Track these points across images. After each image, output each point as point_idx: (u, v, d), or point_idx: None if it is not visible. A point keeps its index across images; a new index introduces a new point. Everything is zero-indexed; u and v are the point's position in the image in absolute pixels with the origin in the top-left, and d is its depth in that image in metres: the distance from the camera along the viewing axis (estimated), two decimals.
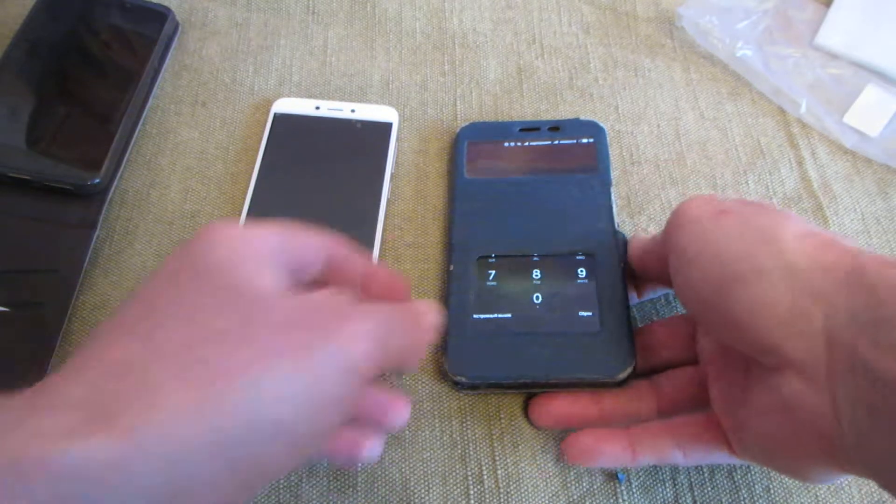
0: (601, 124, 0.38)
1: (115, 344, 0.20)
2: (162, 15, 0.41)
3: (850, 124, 0.41)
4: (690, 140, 0.40)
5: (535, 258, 0.34)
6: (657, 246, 0.30)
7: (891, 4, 0.44)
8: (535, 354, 0.31)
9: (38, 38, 0.40)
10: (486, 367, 0.31)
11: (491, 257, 0.34)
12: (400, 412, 0.27)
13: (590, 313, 0.32)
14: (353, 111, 0.39)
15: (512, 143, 0.38)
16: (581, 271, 0.33)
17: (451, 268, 0.34)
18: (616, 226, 0.34)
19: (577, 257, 0.34)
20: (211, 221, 0.24)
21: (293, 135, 0.39)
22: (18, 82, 0.38)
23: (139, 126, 0.39)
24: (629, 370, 0.30)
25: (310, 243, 0.25)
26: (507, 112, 0.41)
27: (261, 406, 0.19)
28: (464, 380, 0.31)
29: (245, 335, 0.20)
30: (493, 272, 0.34)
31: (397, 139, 0.39)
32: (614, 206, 0.35)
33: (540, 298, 0.33)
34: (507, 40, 0.44)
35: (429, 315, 0.25)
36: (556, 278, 0.33)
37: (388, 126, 0.39)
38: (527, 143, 0.38)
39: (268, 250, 0.23)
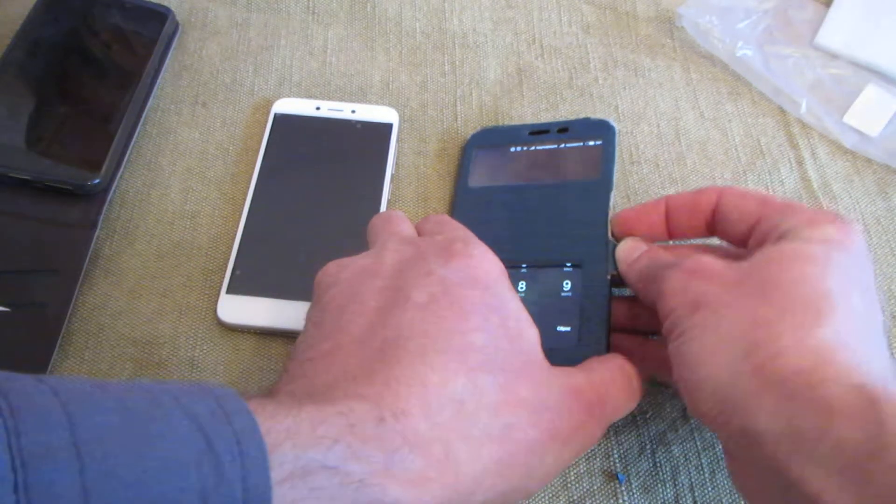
0: (612, 123, 0.37)
1: (436, 368, 0.22)
2: (162, 15, 0.41)
3: (850, 124, 0.41)
4: (690, 140, 0.40)
5: (523, 269, 0.33)
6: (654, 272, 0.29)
7: (891, 4, 0.44)
8: None
9: (38, 38, 0.40)
10: None
11: None
12: None
13: (568, 328, 0.31)
14: (353, 112, 0.39)
15: (519, 149, 0.38)
16: (566, 284, 0.32)
17: None
18: (609, 234, 0.33)
19: (565, 268, 0.33)
20: (461, 246, 0.27)
21: (293, 135, 0.39)
22: (18, 82, 0.38)
23: (139, 126, 0.39)
24: None
25: None
26: (506, 112, 0.41)
27: (538, 478, 0.23)
28: None
29: (537, 411, 0.23)
30: None
31: (398, 140, 0.39)
32: (611, 212, 0.34)
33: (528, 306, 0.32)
34: (507, 40, 0.44)
35: (635, 380, 0.28)
36: (539, 291, 0.33)
37: (388, 127, 0.39)
38: (533, 149, 0.37)
39: None
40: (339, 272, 0.26)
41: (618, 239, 0.33)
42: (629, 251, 0.31)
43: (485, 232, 0.34)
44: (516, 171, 0.37)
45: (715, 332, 0.23)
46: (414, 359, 0.22)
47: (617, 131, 0.37)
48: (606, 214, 0.33)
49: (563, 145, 0.37)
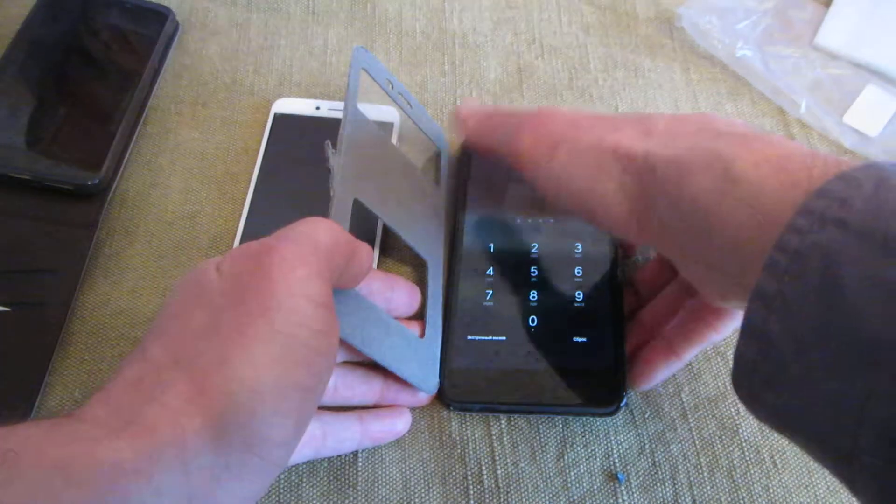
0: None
1: (130, 364, 0.22)
2: (162, 15, 0.41)
3: (850, 124, 0.41)
4: None
5: (534, 278, 0.34)
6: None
7: (890, 4, 0.44)
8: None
9: (38, 38, 0.40)
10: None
11: (490, 276, 0.34)
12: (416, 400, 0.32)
13: (584, 339, 0.32)
14: None
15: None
16: (578, 294, 0.33)
17: (451, 283, 0.34)
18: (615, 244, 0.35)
19: (576, 279, 0.34)
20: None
21: (293, 135, 0.39)
22: (18, 82, 0.38)
23: (139, 126, 0.39)
24: (620, 404, 0.31)
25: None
26: None
27: (248, 386, 0.21)
28: (456, 404, 0.32)
29: (213, 328, 0.22)
30: (491, 292, 0.34)
31: (398, 140, 0.39)
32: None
33: (535, 321, 0.33)
34: (507, 40, 0.44)
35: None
36: (552, 301, 0.33)
37: (389, 127, 0.39)
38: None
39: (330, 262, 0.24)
40: None
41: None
42: (468, 102, 0.37)
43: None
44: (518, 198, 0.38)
45: (582, 156, 0.28)
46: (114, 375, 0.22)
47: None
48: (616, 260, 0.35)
49: None
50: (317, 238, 0.24)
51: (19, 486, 0.17)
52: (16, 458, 0.18)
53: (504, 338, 0.32)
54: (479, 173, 0.37)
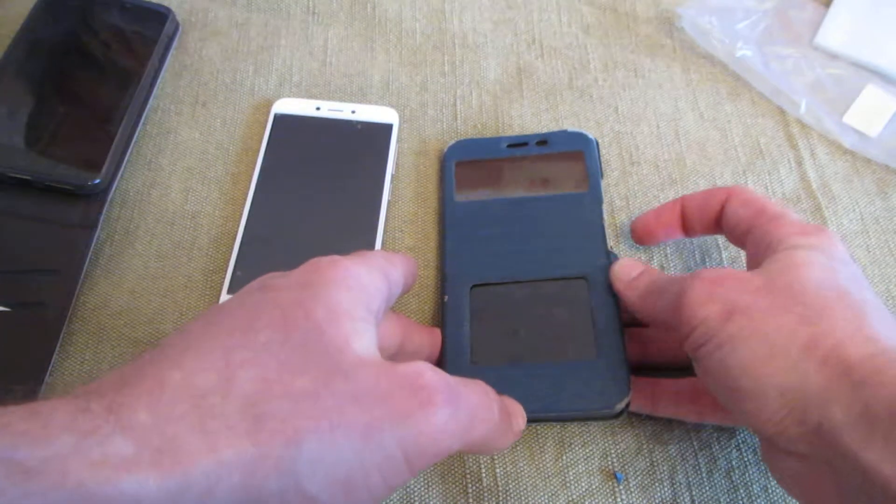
0: (590, 136, 0.37)
1: (193, 365, 0.20)
2: (162, 15, 0.41)
3: (850, 124, 0.41)
4: (690, 140, 0.41)
5: (528, 286, 0.33)
6: (660, 296, 0.29)
7: (890, 4, 0.44)
8: (531, 388, 0.30)
9: (38, 38, 0.40)
10: None
11: (483, 285, 0.33)
12: None
13: (584, 341, 0.31)
14: (353, 112, 0.40)
15: (500, 162, 0.37)
16: (575, 296, 0.32)
17: (445, 299, 0.33)
18: (608, 246, 0.34)
19: (571, 281, 0.33)
20: (324, 260, 0.24)
21: (294, 135, 0.39)
22: (18, 82, 0.38)
23: (139, 126, 0.39)
24: (626, 401, 0.30)
25: (398, 285, 0.27)
26: (507, 112, 0.41)
27: (306, 473, 0.20)
28: None
29: (321, 398, 0.20)
30: (486, 303, 0.33)
31: (398, 140, 0.39)
32: (605, 223, 0.34)
33: (534, 328, 0.32)
34: (507, 41, 0.44)
35: (520, 419, 0.27)
36: (549, 306, 0.32)
37: (388, 127, 0.39)
38: (515, 162, 0.37)
39: (374, 305, 0.24)
40: None
41: (638, 240, 0.35)
42: (627, 269, 0.31)
43: (480, 248, 0.34)
44: (502, 185, 0.37)
45: (762, 337, 0.23)
46: (168, 359, 0.21)
47: (596, 143, 0.37)
48: (602, 226, 0.34)
49: (544, 158, 0.37)
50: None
51: None
52: (39, 474, 0.17)
53: (505, 348, 0.32)
54: (462, 179, 0.37)
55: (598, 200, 0.35)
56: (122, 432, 0.18)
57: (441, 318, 0.33)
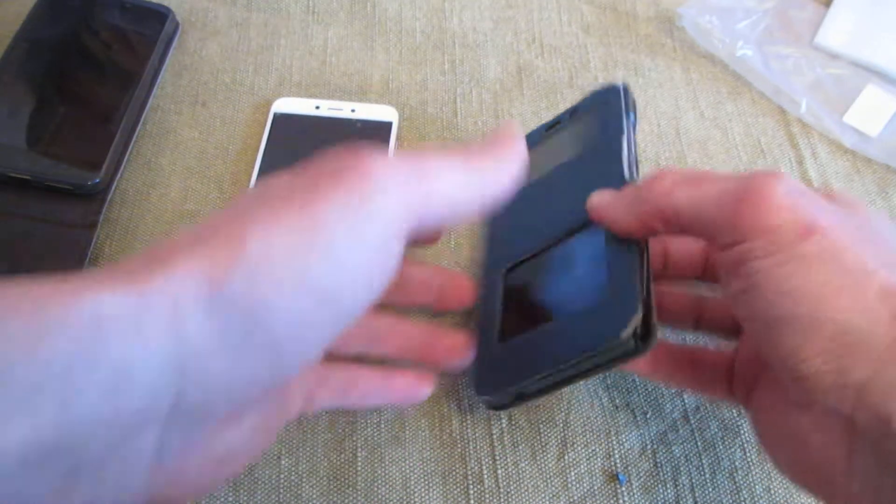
0: (617, 84, 0.32)
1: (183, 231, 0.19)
2: (162, 15, 0.41)
3: (850, 124, 0.41)
4: (691, 139, 0.40)
5: (552, 250, 0.31)
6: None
7: (890, 4, 0.44)
8: (547, 347, 0.28)
9: (38, 38, 0.40)
10: (505, 381, 0.29)
11: (515, 266, 0.32)
12: (457, 352, 0.29)
13: (599, 283, 0.27)
14: (353, 111, 0.39)
15: (537, 146, 0.35)
16: (591, 243, 0.29)
17: (480, 290, 0.32)
18: (630, 175, 0.29)
19: (587, 230, 0.29)
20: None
21: (293, 134, 0.39)
22: (18, 82, 0.38)
23: (139, 126, 0.39)
24: (633, 323, 0.24)
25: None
26: (507, 110, 0.41)
27: (262, 244, 0.18)
28: (490, 400, 0.30)
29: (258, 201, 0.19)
30: (518, 280, 0.32)
31: (397, 139, 0.39)
32: (626, 153, 0.29)
33: (556, 287, 0.30)
34: (507, 39, 0.44)
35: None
36: (569, 262, 0.30)
37: (388, 126, 0.39)
38: (548, 141, 0.35)
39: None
40: None
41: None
42: (662, 176, 0.25)
43: (513, 230, 0.34)
44: (539, 168, 0.34)
45: (840, 265, 0.20)
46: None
47: (624, 87, 0.32)
48: (621, 155, 0.29)
49: (572, 129, 0.34)
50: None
51: None
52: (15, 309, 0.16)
53: (534, 321, 0.29)
54: None
55: (617, 134, 0.30)
56: (80, 277, 0.17)
57: (478, 305, 0.32)
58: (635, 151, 0.30)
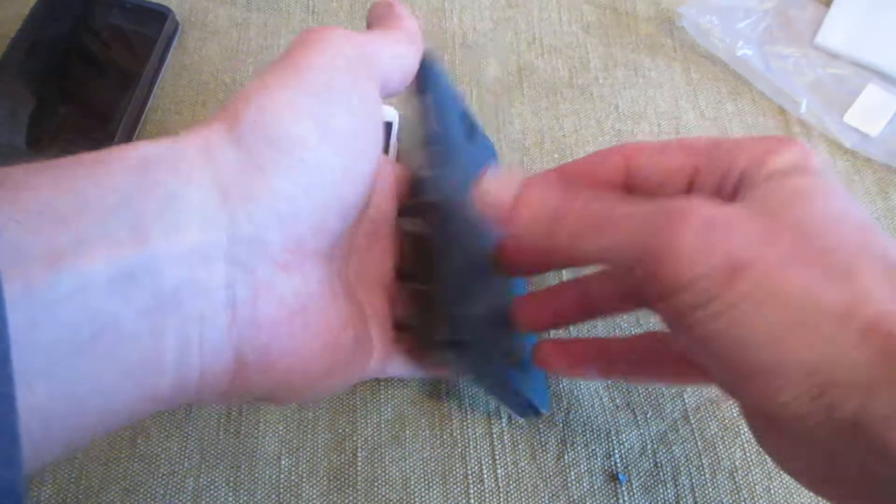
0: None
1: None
2: (162, 15, 0.41)
3: (851, 124, 0.41)
4: None
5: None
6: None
7: (891, 4, 0.44)
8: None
9: (38, 37, 0.40)
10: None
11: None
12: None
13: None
14: None
15: None
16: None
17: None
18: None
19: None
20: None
21: None
22: (19, 83, 0.38)
23: (139, 126, 0.39)
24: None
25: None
26: (507, 111, 0.41)
27: (268, 91, 0.21)
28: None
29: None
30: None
31: (398, 138, 0.39)
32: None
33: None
34: (507, 39, 0.44)
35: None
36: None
37: (388, 125, 0.39)
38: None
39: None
40: None
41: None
42: (509, 186, 0.22)
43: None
44: None
45: (782, 301, 0.18)
46: None
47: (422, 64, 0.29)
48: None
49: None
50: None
51: (45, 177, 0.17)
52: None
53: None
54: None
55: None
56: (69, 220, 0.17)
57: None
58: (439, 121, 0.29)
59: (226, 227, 0.19)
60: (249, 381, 0.20)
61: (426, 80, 0.29)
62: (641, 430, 0.32)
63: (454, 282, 0.26)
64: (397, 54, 0.25)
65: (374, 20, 0.27)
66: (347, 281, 0.26)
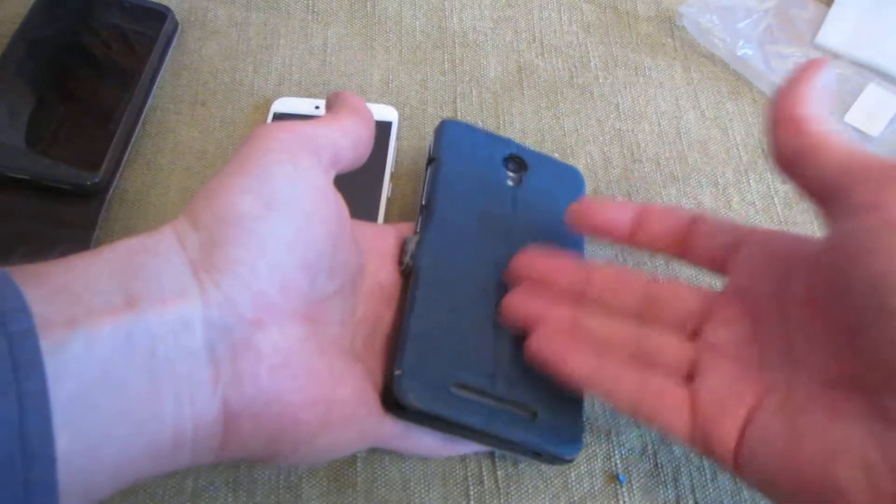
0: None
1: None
2: (161, 14, 0.41)
3: (852, 124, 0.41)
4: (691, 139, 0.40)
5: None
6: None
7: (892, 4, 0.44)
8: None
9: (38, 37, 0.40)
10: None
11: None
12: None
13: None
14: None
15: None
16: None
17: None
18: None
19: None
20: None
21: None
22: (18, 82, 0.38)
23: (139, 126, 0.39)
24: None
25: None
26: (507, 110, 0.41)
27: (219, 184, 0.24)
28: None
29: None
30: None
31: (397, 138, 0.39)
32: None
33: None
34: (507, 39, 0.44)
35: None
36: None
37: (387, 125, 0.39)
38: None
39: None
40: None
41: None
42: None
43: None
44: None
45: None
46: None
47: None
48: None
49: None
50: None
51: (59, 267, 0.21)
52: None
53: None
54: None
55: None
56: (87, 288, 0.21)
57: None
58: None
59: (199, 294, 0.21)
60: (241, 434, 0.22)
61: (438, 146, 0.34)
62: (641, 431, 0.32)
63: (413, 346, 0.27)
64: (341, 128, 0.28)
65: (326, 109, 0.30)
66: (352, 348, 0.28)
